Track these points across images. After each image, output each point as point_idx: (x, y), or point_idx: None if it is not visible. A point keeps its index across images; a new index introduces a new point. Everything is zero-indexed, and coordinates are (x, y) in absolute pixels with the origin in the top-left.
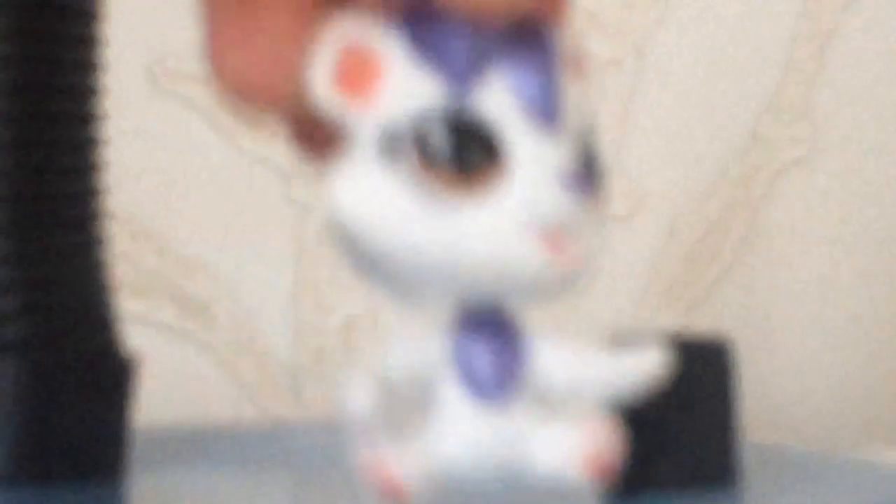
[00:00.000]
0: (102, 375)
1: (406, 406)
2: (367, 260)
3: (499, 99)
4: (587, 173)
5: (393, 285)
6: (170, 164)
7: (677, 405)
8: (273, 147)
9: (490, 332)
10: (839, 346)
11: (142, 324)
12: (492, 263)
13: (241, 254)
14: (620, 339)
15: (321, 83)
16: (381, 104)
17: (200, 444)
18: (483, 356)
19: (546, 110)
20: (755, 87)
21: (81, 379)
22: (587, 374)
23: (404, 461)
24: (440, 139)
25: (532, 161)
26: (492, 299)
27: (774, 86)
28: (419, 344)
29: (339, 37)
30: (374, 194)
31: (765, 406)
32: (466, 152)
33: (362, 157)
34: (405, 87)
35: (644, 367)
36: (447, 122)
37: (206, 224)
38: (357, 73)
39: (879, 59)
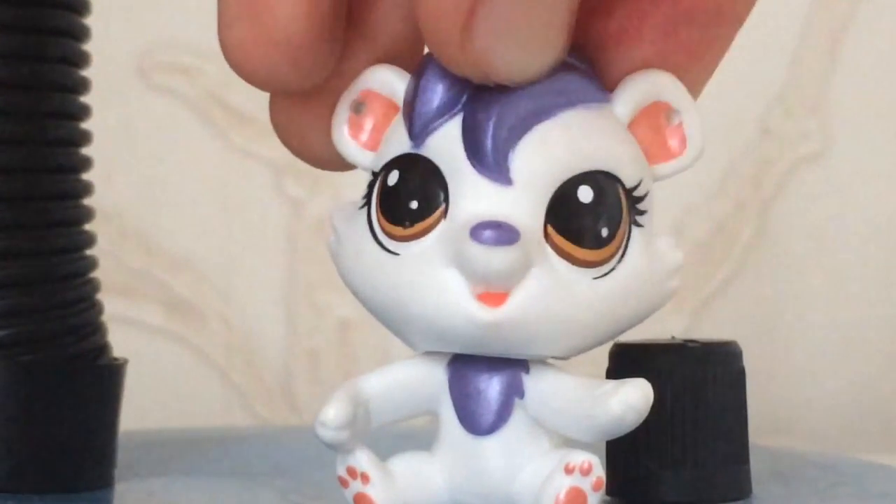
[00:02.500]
0: (88, 378)
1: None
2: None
3: (451, 147)
4: (563, 223)
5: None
6: (158, 159)
7: (686, 410)
8: (265, 142)
9: (485, 362)
10: (852, 350)
11: (128, 325)
12: (425, 311)
13: (232, 253)
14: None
15: (338, 128)
16: (380, 150)
17: (190, 449)
18: (477, 388)
19: (491, 159)
20: (765, 81)
21: (66, 382)
22: (573, 410)
23: (384, 486)
24: (389, 184)
25: (469, 209)
26: (438, 349)
27: (785, 79)
28: (416, 369)
29: (361, 82)
30: (346, 238)
31: (775, 410)
32: (409, 200)
33: (357, 199)
34: (391, 135)
35: (626, 402)
36: (397, 166)
37: (196, 222)
38: (372, 121)
39: (893, 53)
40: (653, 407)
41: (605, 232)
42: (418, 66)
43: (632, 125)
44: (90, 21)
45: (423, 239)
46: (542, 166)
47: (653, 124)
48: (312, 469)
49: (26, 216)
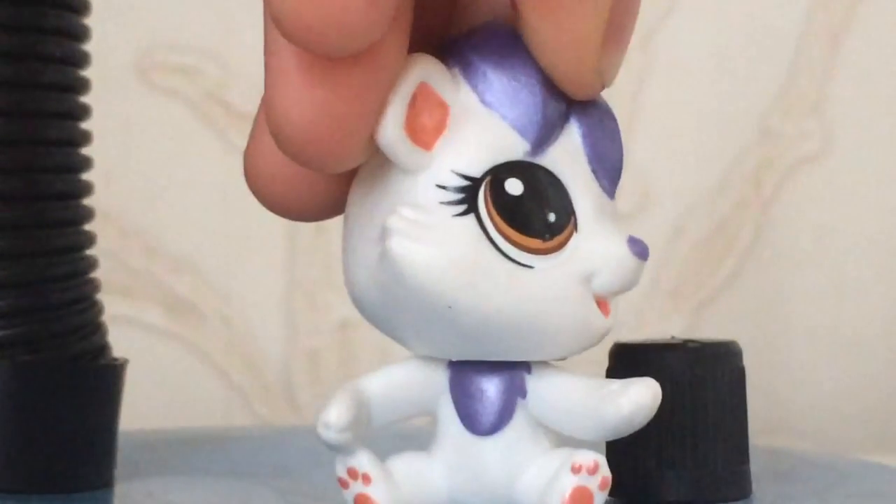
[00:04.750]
0: (89, 378)
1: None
2: (422, 310)
3: (574, 160)
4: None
5: (428, 341)
6: (158, 160)
7: (686, 409)
8: None
9: (487, 363)
10: (852, 349)
11: (128, 325)
12: (558, 322)
13: (232, 253)
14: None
15: (391, 124)
16: (450, 150)
17: (190, 449)
18: (480, 388)
19: (616, 174)
20: (765, 81)
21: (67, 382)
22: (579, 409)
23: (385, 486)
24: (514, 193)
25: (597, 226)
26: (545, 358)
27: (785, 79)
28: (416, 370)
29: (416, 74)
30: (440, 245)
31: (775, 410)
32: (545, 211)
33: (425, 204)
34: (480, 136)
35: (636, 401)
36: (518, 176)
37: (196, 222)
38: (427, 117)
39: (892, 53)
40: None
41: None
42: (515, 64)
43: None
44: (90, 21)
45: (560, 252)
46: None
47: None
48: (312, 469)
49: (27, 216)
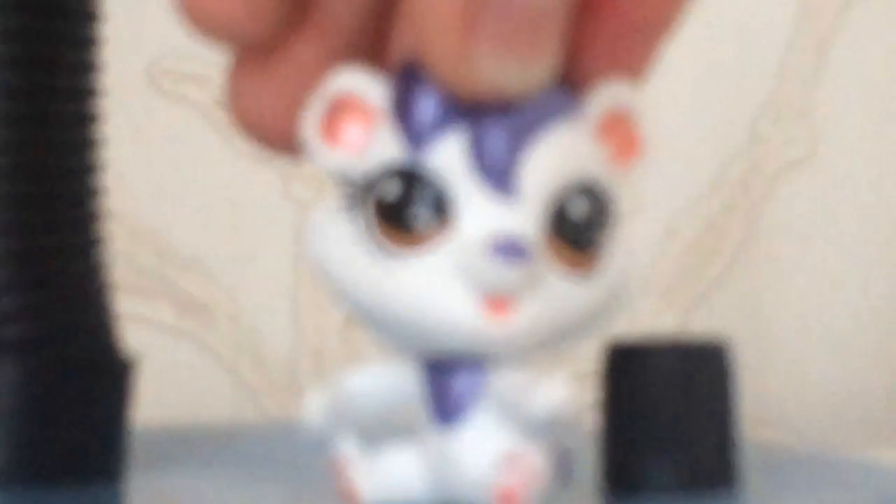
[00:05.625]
0: (101, 375)
1: (375, 423)
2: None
3: (456, 159)
4: (562, 232)
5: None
6: (168, 164)
7: (676, 408)
8: None
9: (458, 360)
10: (840, 348)
11: (140, 323)
12: (427, 318)
13: (241, 253)
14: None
15: (309, 128)
16: (360, 156)
17: (199, 445)
18: (446, 384)
19: (498, 170)
20: (753, 87)
21: (80, 379)
22: (511, 408)
23: (367, 475)
24: (390, 192)
25: (476, 221)
26: (440, 356)
27: (773, 85)
28: (393, 368)
29: (335, 85)
30: (333, 241)
31: (764, 407)
32: (413, 207)
33: (336, 203)
34: (379, 141)
35: (553, 396)
36: (399, 175)
37: (206, 223)
38: (349, 125)
39: (880, 59)
40: (644, 403)
41: (595, 238)
42: (407, 72)
43: (601, 133)
44: (103, 30)
45: (430, 249)
46: (543, 179)
47: (616, 131)
48: (318, 463)
49: (42, 217)
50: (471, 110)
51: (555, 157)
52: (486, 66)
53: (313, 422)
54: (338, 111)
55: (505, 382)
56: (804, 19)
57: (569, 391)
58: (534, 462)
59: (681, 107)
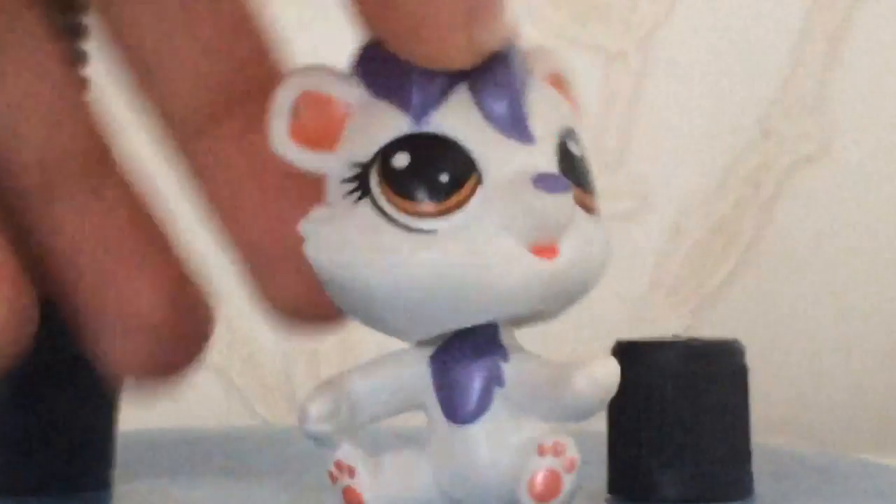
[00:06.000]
0: (88, 378)
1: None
2: (350, 302)
3: (465, 117)
4: (571, 173)
5: (382, 323)
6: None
7: (687, 407)
8: None
9: (466, 353)
10: (853, 348)
11: None
12: (477, 280)
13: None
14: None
15: (279, 135)
16: (348, 145)
17: (190, 449)
18: (458, 379)
19: (512, 120)
20: (764, 81)
21: (67, 382)
22: (545, 392)
23: (370, 479)
24: (401, 166)
25: (504, 170)
26: (490, 319)
27: (784, 79)
28: (400, 366)
29: (293, 85)
30: (342, 236)
31: (775, 409)
32: (434, 175)
33: (334, 202)
34: (369, 123)
35: (597, 380)
36: (405, 148)
37: (198, 226)
38: (319, 121)
39: (892, 53)
40: (654, 405)
41: (592, 180)
42: (386, 52)
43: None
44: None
45: (462, 209)
46: (546, 123)
47: (559, 91)
48: (312, 468)
49: None
50: (464, 73)
51: (548, 104)
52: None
53: (317, 430)
54: (302, 111)
55: (527, 368)
56: (815, 13)
57: (616, 367)
58: (574, 450)
59: (689, 102)
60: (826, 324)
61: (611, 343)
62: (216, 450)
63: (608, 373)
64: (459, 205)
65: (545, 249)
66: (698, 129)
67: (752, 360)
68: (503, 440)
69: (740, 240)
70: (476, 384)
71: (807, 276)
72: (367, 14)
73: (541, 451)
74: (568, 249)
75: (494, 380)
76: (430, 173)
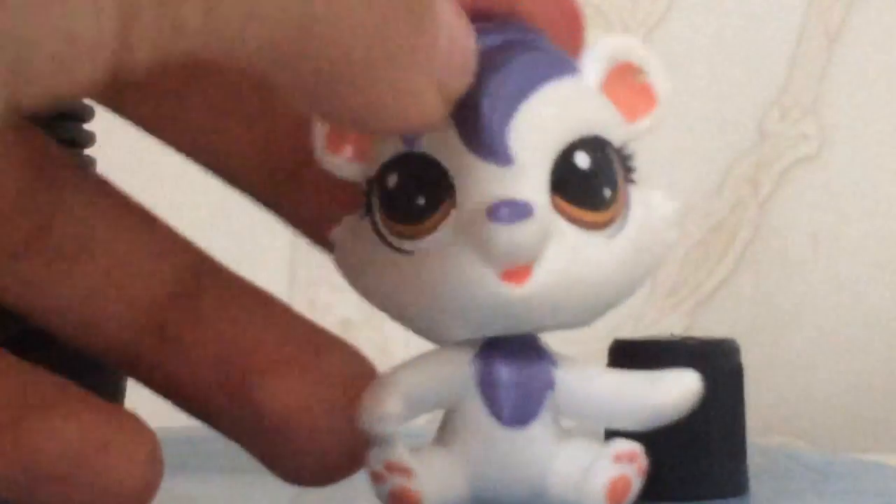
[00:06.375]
0: (92, 378)
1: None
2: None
3: (445, 139)
4: (569, 191)
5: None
6: (160, 161)
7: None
8: None
9: (512, 355)
10: (849, 348)
11: None
12: (451, 302)
13: (234, 254)
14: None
15: (319, 144)
16: (366, 160)
17: (192, 447)
18: (505, 382)
19: (488, 142)
20: (762, 83)
21: (71, 379)
22: (617, 400)
23: (422, 477)
24: (391, 185)
25: (475, 194)
26: (472, 336)
27: (782, 81)
28: (443, 363)
29: None
30: (352, 250)
31: (772, 408)
32: (414, 195)
33: (358, 212)
34: (382, 141)
35: (680, 391)
36: (397, 168)
37: (198, 223)
38: (349, 132)
39: (889, 54)
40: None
41: (607, 193)
42: None
43: (605, 88)
44: None
45: (436, 232)
46: (537, 141)
47: (623, 85)
48: None
49: None
50: None
51: (550, 117)
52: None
53: (389, 430)
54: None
55: (580, 374)
56: (813, 14)
57: (699, 384)
58: (643, 457)
59: (689, 103)
60: (822, 324)
61: (609, 342)
62: (221, 447)
63: (696, 379)
64: (434, 228)
65: (515, 273)
66: (696, 130)
67: (749, 359)
68: (549, 442)
69: (738, 239)
70: (527, 387)
71: (804, 276)
72: (321, 97)
73: (616, 458)
74: (543, 271)
75: (546, 383)
76: (409, 195)
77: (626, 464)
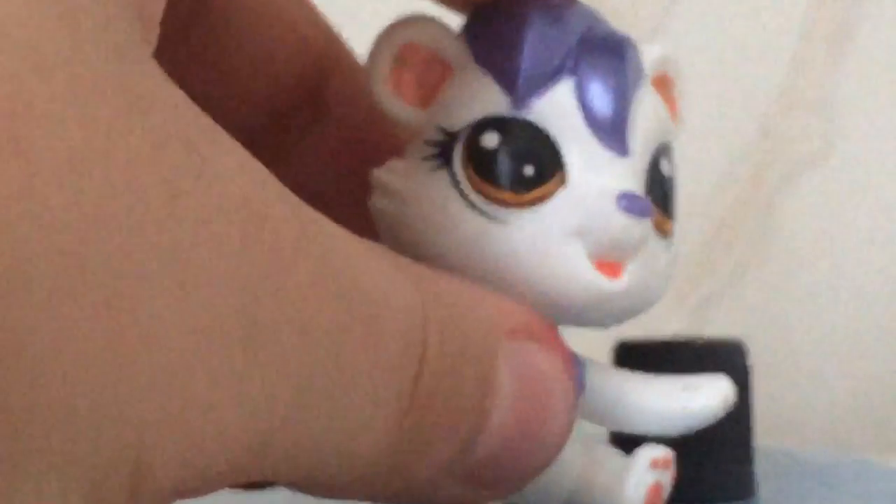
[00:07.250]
0: None
1: None
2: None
3: (565, 114)
4: (655, 195)
5: None
6: None
7: None
8: None
9: None
10: (856, 349)
11: None
12: (537, 280)
13: None
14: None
15: (378, 81)
16: (441, 107)
17: None
18: None
19: (612, 129)
20: (765, 81)
21: None
22: (656, 405)
23: None
24: (489, 147)
25: (591, 178)
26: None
27: (786, 79)
28: None
29: (399, 33)
30: (411, 200)
31: (777, 410)
32: (521, 165)
33: (412, 160)
34: (466, 93)
35: (719, 398)
36: (497, 129)
37: None
38: (416, 76)
39: (894, 53)
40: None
41: (675, 201)
42: (509, 23)
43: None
44: None
45: (539, 206)
46: (645, 137)
47: (662, 94)
48: None
49: None
50: (579, 61)
51: (649, 117)
52: None
53: None
54: (402, 61)
55: (607, 377)
56: (818, 12)
57: (731, 392)
58: (675, 464)
59: (693, 101)
60: (828, 323)
61: (613, 343)
62: None
63: (730, 385)
64: (539, 201)
65: (609, 266)
66: (699, 130)
67: (753, 360)
68: (573, 445)
69: (742, 239)
70: None
71: (808, 276)
72: None
73: (654, 464)
74: (631, 274)
75: (578, 387)
76: (517, 162)
77: (662, 470)
